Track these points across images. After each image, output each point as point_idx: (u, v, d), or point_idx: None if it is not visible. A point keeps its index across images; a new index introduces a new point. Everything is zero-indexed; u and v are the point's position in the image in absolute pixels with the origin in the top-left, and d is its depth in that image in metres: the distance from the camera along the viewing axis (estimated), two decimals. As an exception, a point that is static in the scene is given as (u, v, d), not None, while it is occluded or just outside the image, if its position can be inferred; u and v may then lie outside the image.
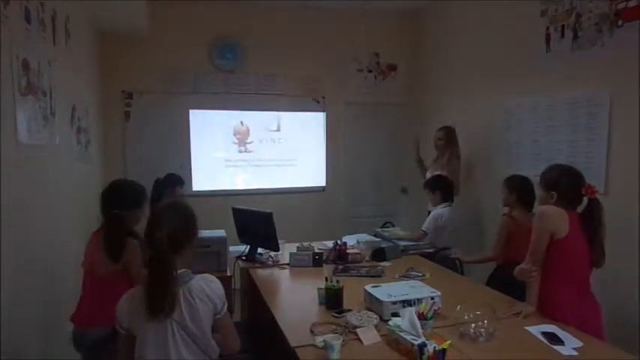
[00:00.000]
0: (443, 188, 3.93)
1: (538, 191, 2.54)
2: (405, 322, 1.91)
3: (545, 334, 2.05)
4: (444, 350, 1.63)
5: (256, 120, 5.29)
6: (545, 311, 2.26)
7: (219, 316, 1.71)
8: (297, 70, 5.31)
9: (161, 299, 1.58)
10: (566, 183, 2.30)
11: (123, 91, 4.79)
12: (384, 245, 3.50)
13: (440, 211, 3.85)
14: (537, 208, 2.43)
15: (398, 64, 5.70)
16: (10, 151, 2.13)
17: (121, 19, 4.15)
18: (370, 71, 5.62)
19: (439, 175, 4.06)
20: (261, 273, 3.14)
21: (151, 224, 1.67)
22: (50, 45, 2.75)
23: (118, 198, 2.24)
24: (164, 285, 1.59)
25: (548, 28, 3.67)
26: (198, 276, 1.72)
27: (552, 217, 2.25)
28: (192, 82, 4.99)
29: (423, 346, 1.65)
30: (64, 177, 3.04)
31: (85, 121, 3.68)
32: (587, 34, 3.34)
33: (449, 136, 4.39)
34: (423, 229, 3.82)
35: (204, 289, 1.68)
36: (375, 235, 3.95)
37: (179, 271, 1.66)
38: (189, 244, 1.72)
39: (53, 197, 2.79)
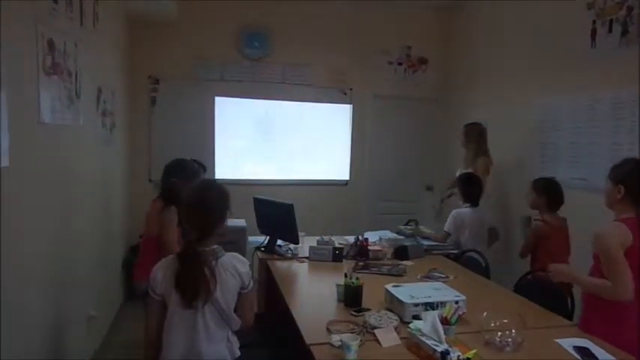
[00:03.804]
0: (466, 188, 3.77)
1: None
2: (427, 325, 1.81)
3: (577, 348, 1.91)
4: (468, 360, 1.53)
5: (282, 110, 5.22)
6: (624, 334, 2.04)
7: (245, 291, 1.84)
8: (326, 60, 5.21)
9: (195, 294, 1.69)
10: (637, 178, 2.11)
11: (150, 77, 4.79)
12: (407, 243, 3.39)
13: (460, 210, 3.71)
14: (603, 200, 2.25)
15: (429, 58, 5.53)
16: (33, 131, 2.12)
17: (150, 4, 4.13)
18: (400, 64, 5.47)
19: (469, 174, 3.89)
20: (279, 265, 3.08)
21: (185, 214, 1.81)
22: (77, 26, 2.73)
23: (178, 169, 2.61)
24: (196, 281, 1.69)
25: (594, 23, 3.46)
26: (229, 253, 1.84)
27: (614, 233, 2.07)
28: (219, 69, 4.95)
29: (446, 353, 1.55)
30: (87, 159, 3.03)
31: (111, 104, 3.67)
32: (639, 29, 3.13)
33: (468, 133, 4.22)
34: (445, 229, 3.68)
35: (234, 265, 1.79)
36: (397, 233, 3.83)
37: (212, 247, 1.78)
38: (221, 224, 1.83)
39: (76, 178, 2.79)
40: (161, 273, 1.76)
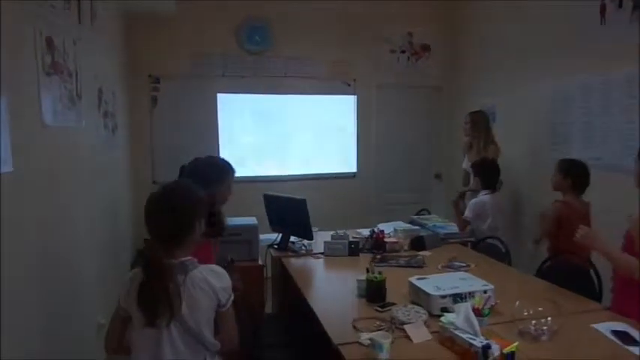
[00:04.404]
0: (485, 174, 3.69)
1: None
2: (460, 318, 1.73)
3: (616, 332, 1.84)
4: (512, 354, 1.44)
5: (286, 104, 5.12)
6: None
7: (224, 309, 1.62)
8: (328, 52, 5.10)
9: (156, 312, 1.48)
10: None
11: (150, 76, 4.68)
12: (423, 233, 3.31)
13: (480, 198, 3.63)
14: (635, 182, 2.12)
15: (432, 45, 5.42)
16: (35, 133, 2.02)
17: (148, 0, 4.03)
18: (403, 52, 5.36)
19: (485, 159, 3.81)
20: (294, 262, 2.99)
21: (146, 222, 1.58)
22: (75, 23, 2.63)
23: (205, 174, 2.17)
24: (158, 297, 1.48)
25: (603, -2, 3.37)
26: (204, 266, 1.62)
27: None
28: (220, 65, 4.84)
29: (487, 347, 1.46)
30: (90, 162, 2.93)
31: (112, 105, 3.57)
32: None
33: (476, 121, 4.13)
34: (464, 217, 3.60)
35: (207, 280, 1.57)
36: (411, 223, 3.75)
37: (181, 260, 1.56)
38: (188, 233, 1.60)
39: (79, 182, 2.69)
40: (127, 285, 1.59)
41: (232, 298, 1.65)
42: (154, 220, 1.58)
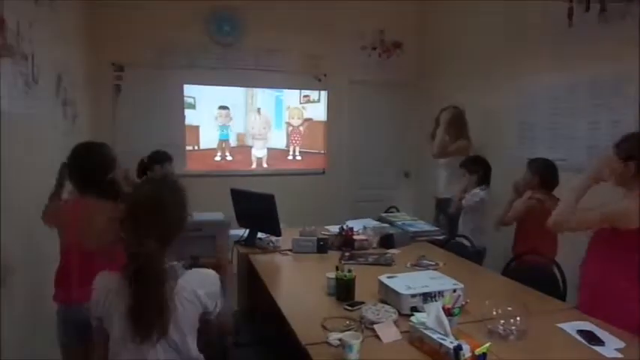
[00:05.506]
0: (479, 169, 3.61)
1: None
2: (430, 318, 1.70)
3: (581, 332, 1.86)
4: (484, 355, 1.43)
5: (255, 97, 5.03)
6: None
7: (210, 317, 1.50)
8: (299, 45, 5.01)
9: (151, 324, 1.33)
10: None
11: (113, 64, 4.48)
12: (392, 231, 3.29)
13: (479, 194, 3.54)
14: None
15: (403, 42, 5.43)
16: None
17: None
18: (374, 49, 5.34)
19: (478, 156, 3.80)
20: (261, 259, 2.92)
21: (132, 225, 1.40)
22: (31, 4, 2.46)
23: (111, 162, 2.14)
24: (155, 307, 1.33)
25: (571, 1, 3.43)
26: (190, 271, 1.47)
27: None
28: (187, 55, 4.68)
29: (459, 349, 1.44)
30: (47, 151, 2.76)
31: (72, 93, 3.39)
32: (616, 7, 3.11)
33: (451, 117, 4.14)
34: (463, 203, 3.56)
35: (194, 289, 1.43)
36: (379, 220, 3.73)
37: (171, 264, 1.42)
38: (179, 232, 1.48)
39: (36, 175, 2.53)
40: (102, 293, 1.40)
41: (220, 304, 1.51)
42: (150, 218, 1.41)
